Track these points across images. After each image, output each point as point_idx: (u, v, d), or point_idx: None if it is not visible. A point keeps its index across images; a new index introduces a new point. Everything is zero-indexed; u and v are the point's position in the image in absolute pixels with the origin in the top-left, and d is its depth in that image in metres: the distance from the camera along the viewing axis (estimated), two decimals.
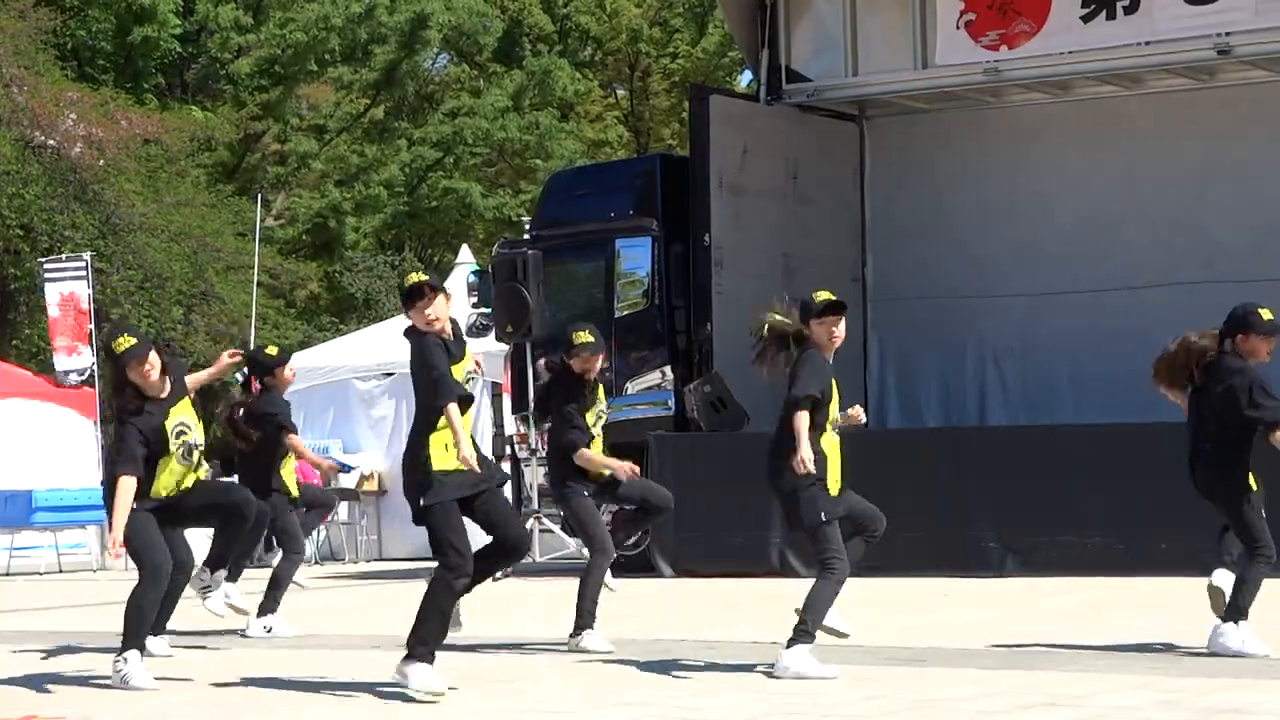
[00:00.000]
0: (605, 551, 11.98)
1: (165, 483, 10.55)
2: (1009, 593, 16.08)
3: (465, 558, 9.56)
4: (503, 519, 9.96)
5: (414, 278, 9.79)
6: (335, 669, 10.91)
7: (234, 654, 12.37)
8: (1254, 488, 10.70)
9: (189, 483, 10.64)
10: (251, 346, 29.76)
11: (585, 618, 11.86)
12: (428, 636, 9.61)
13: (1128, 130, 22.23)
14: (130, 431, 10.42)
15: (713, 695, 9.35)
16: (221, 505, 10.87)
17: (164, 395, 10.57)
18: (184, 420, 10.60)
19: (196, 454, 10.64)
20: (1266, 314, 10.87)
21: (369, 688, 9.98)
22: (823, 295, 10.53)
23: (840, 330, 10.43)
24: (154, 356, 10.48)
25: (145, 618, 10.56)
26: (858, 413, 11.05)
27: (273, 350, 14.48)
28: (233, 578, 13.10)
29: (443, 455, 9.60)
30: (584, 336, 12.17)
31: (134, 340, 10.50)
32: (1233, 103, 21.54)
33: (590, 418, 12.13)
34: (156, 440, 10.45)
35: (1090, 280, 21.91)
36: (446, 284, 31.87)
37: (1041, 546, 17.81)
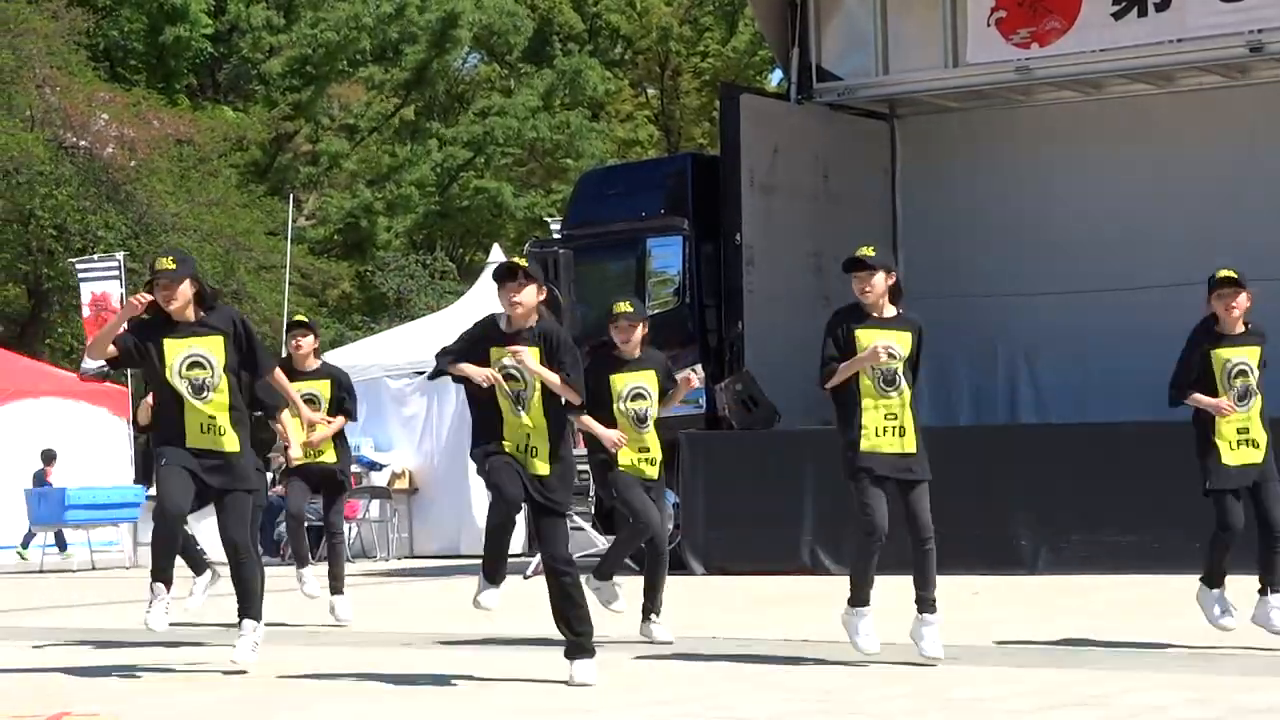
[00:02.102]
0: (647, 525, 11.99)
1: (192, 427, 10.37)
2: (1042, 590, 16.06)
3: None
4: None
5: (511, 261, 10.00)
6: (366, 665, 10.93)
7: (263, 650, 12.39)
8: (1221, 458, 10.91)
9: (215, 444, 10.40)
10: (283, 347, 29.98)
11: (605, 569, 12.11)
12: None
13: (1159, 128, 22.17)
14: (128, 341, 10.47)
15: (744, 693, 9.35)
16: (228, 541, 10.63)
17: (193, 321, 10.45)
18: (200, 353, 10.37)
19: (211, 398, 10.35)
20: (1220, 273, 11.04)
21: (400, 684, 10.01)
22: (859, 252, 10.64)
23: (869, 286, 10.45)
24: (183, 289, 10.35)
25: (155, 554, 10.72)
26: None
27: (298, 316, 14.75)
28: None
29: None
30: (624, 306, 12.23)
31: (173, 265, 10.41)
32: (1265, 100, 21.46)
33: (620, 386, 12.06)
34: (151, 352, 10.35)
35: (1122, 278, 21.84)
36: (478, 283, 31.78)
37: (1074, 544, 17.78)
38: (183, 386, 10.35)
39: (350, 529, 26.20)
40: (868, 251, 10.59)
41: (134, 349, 10.43)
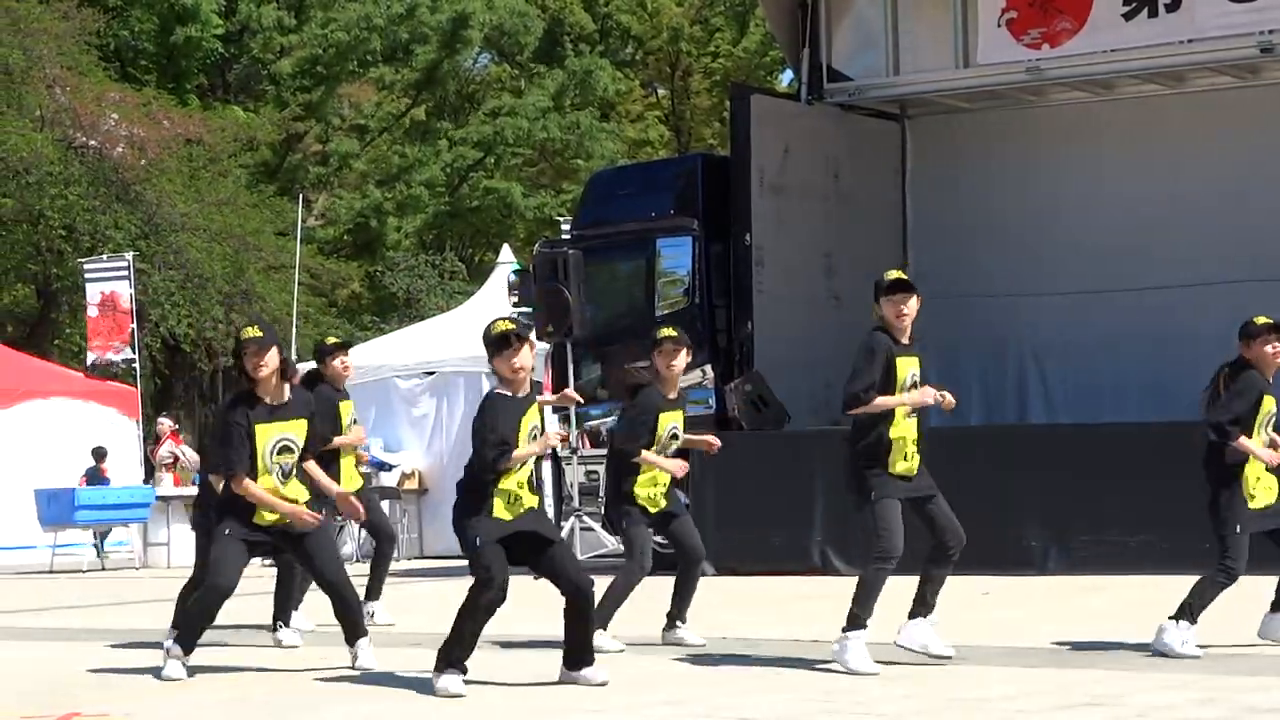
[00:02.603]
0: (642, 569, 11.96)
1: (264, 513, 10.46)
2: (1051, 591, 16.04)
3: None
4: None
5: (500, 326, 9.74)
6: (377, 665, 10.92)
7: (271, 650, 12.41)
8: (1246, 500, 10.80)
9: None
10: (293, 346, 30.02)
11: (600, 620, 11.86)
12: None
13: (1170, 129, 22.14)
14: (234, 430, 10.38)
15: (753, 694, 9.35)
16: (329, 584, 10.71)
17: (281, 403, 10.50)
18: (289, 437, 10.47)
19: (292, 481, 10.49)
20: (1260, 320, 10.94)
21: (408, 685, 10.00)
22: (891, 274, 10.55)
23: (909, 309, 10.40)
24: (271, 356, 10.39)
25: (191, 623, 10.65)
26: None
27: (331, 339, 14.70)
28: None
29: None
30: (668, 331, 12.25)
31: (260, 333, 10.50)
32: (1276, 101, 21.42)
33: (662, 428, 12.04)
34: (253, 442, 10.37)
35: (1132, 279, 21.82)
36: (488, 284, 31.65)
37: (1083, 544, 17.75)
38: (274, 473, 10.45)
39: (359, 531, 26.17)
40: (903, 274, 10.60)
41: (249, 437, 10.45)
